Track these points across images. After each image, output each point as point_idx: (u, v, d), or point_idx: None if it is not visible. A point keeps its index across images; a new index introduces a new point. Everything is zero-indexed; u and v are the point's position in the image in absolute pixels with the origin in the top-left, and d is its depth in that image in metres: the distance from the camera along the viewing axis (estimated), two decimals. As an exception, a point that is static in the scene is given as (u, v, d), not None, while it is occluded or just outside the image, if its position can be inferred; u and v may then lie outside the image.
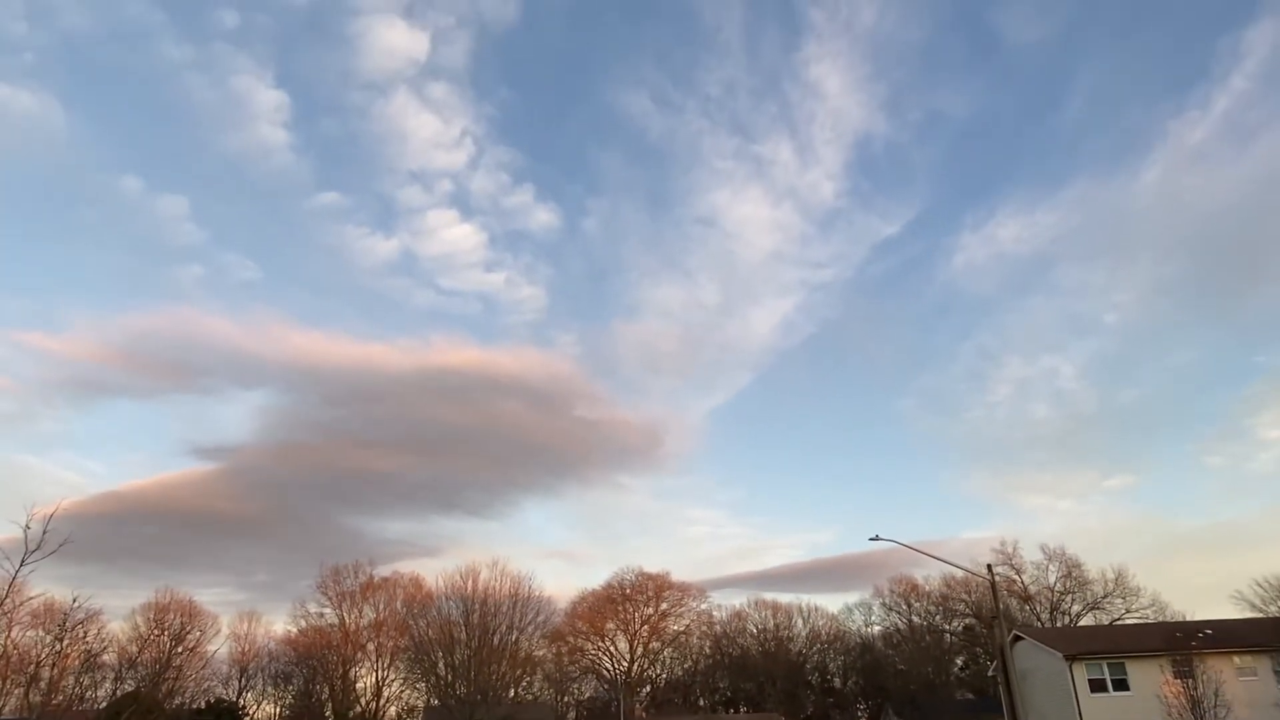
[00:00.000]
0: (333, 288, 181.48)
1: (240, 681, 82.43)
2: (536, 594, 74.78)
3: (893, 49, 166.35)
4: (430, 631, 70.69)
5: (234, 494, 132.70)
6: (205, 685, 77.04)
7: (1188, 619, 59.46)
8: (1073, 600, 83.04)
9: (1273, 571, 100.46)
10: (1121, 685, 43.15)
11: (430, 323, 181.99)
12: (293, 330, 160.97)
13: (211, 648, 77.81)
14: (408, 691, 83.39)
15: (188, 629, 73.96)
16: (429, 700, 74.41)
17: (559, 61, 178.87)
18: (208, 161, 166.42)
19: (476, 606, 69.87)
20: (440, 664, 67.68)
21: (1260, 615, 63.26)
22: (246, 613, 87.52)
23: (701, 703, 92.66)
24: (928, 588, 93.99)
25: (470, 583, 71.65)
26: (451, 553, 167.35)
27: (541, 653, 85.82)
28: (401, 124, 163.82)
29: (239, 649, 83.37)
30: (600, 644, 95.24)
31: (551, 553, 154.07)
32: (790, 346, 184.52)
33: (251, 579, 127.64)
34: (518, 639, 72.11)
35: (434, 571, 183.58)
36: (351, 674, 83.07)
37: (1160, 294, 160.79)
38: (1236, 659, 43.64)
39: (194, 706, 67.33)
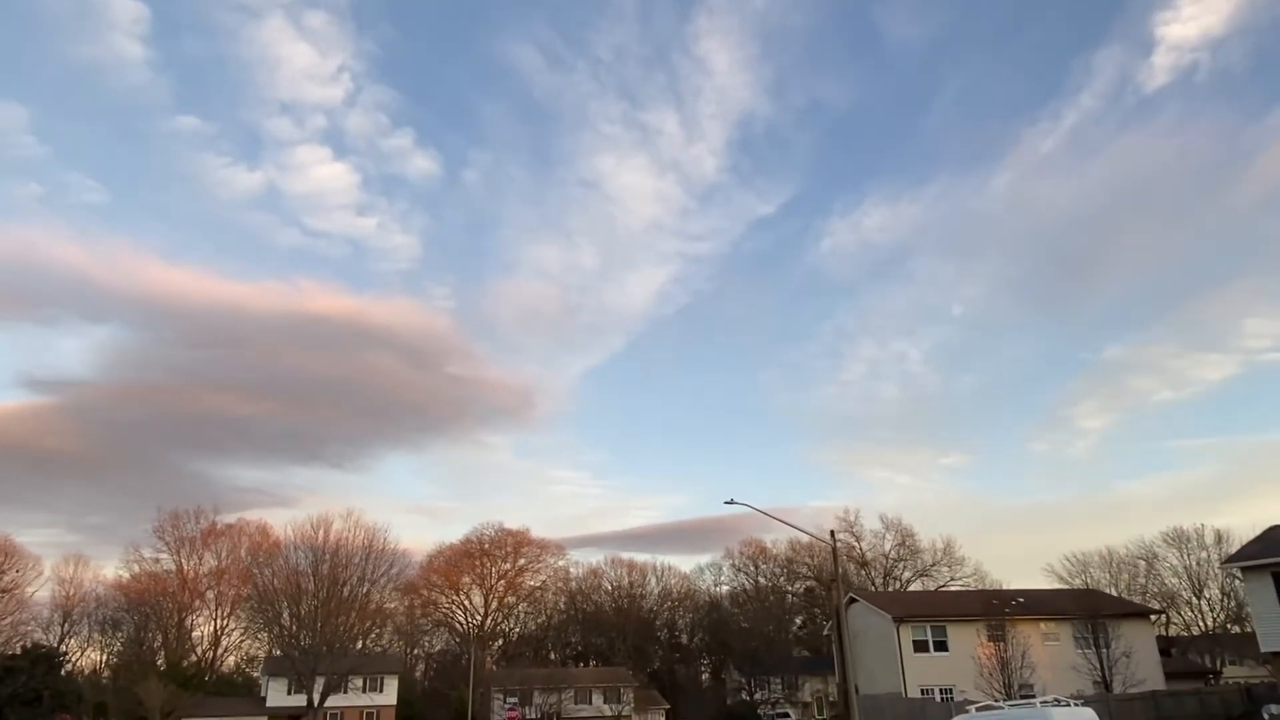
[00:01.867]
0: (190, 219, 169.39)
1: (63, 627, 76.67)
2: (392, 547, 73.74)
3: (781, 33, 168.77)
4: (276, 581, 67.27)
5: (71, 431, 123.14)
6: (22, 630, 71.12)
7: (1004, 588, 62.76)
8: (905, 567, 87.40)
9: (1079, 548, 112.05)
10: (942, 646, 45.47)
11: (296, 265, 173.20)
12: (147, 262, 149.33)
13: (31, 589, 72.66)
14: (248, 642, 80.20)
15: (2, 569, 67.84)
16: (271, 650, 72.38)
17: (448, 2, 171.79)
18: (53, 70, 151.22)
19: (327, 557, 67.67)
20: (285, 614, 65.26)
21: (1065, 586, 69.17)
22: (73, 555, 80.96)
23: (553, 656, 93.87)
24: (775, 551, 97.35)
25: (322, 533, 69.31)
26: (308, 504, 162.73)
27: (393, 605, 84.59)
28: (274, 51, 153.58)
29: (63, 593, 77.79)
30: (454, 598, 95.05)
31: (413, 507, 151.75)
32: (664, 315, 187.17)
33: (84, 521, 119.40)
34: (369, 591, 70.45)
35: (286, 522, 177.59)
36: (188, 622, 79.68)
37: (1004, 290, 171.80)
38: (1043, 625, 46.54)
39: (7, 652, 62.01)
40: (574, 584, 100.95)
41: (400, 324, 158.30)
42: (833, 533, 37.13)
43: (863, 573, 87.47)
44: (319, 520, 70.34)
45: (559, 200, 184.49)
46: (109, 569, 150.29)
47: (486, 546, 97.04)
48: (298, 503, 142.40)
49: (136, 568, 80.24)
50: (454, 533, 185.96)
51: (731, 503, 36.18)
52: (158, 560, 79.76)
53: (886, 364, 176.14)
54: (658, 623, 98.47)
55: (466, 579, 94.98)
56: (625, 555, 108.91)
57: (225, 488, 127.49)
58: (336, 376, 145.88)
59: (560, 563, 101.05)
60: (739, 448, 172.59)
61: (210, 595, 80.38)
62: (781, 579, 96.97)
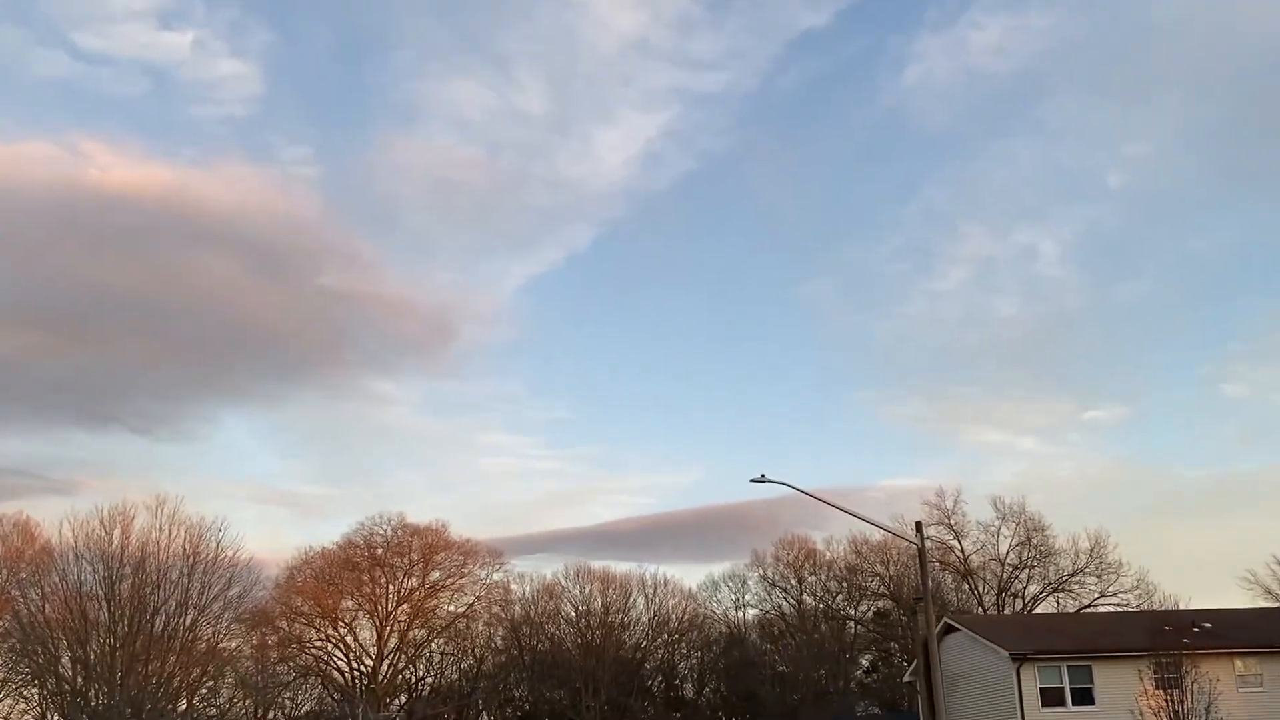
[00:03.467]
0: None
1: None
2: (231, 555, 74.25)
3: None
4: (48, 608, 67.77)
5: None
6: None
7: (1181, 607, 62.53)
8: (1029, 578, 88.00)
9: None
10: (1085, 696, 46.54)
11: (67, 111, 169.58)
12: None
13: None
14: (7, 702, 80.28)
15: None
16: (45, 714, 72.32)
17: None
18: None
19: (128, 570, 68.03)
20: (65, 658, 65.50)
21: (1274, 605, 69.79)
22: None
23: (485, 719, 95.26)
24: (829, 556, 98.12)
25: (119, 533, 69.78)
26: (98, 490, 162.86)
27: (236, 644, 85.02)
28: None
29: None
30: (331, 632, 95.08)
31: (263, 494, 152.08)
32: (653, 191, 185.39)
33: None
34: (196, 622, 71.50)
35: (62, 517, 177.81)
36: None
37: (1188, 148, 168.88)
38: (1239, 662, 47.56)
39: None
40: (518, 608, 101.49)
41: (236, 206, 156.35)
42: (919, 525, 37.61)
43: (965, 587, 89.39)
44: (114, 513, 70.32)
45: (485, 4, 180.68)
46: None
47: (380, 554, 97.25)
48: (80, 488, 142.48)
49: None
50: (328, 532, 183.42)
51: (762, 481, 35.16)
52: None
53: (1003, 266, 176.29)
54: (648, 665, 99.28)
55: (349, 603, 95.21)
56: (597, 564, 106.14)
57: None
58: (140, 292, 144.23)
59: (496, 576, 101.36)
60: (772, 400, 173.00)
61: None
62: (839, 598, 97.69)
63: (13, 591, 74.51)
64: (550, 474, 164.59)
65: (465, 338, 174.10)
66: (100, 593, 67.74)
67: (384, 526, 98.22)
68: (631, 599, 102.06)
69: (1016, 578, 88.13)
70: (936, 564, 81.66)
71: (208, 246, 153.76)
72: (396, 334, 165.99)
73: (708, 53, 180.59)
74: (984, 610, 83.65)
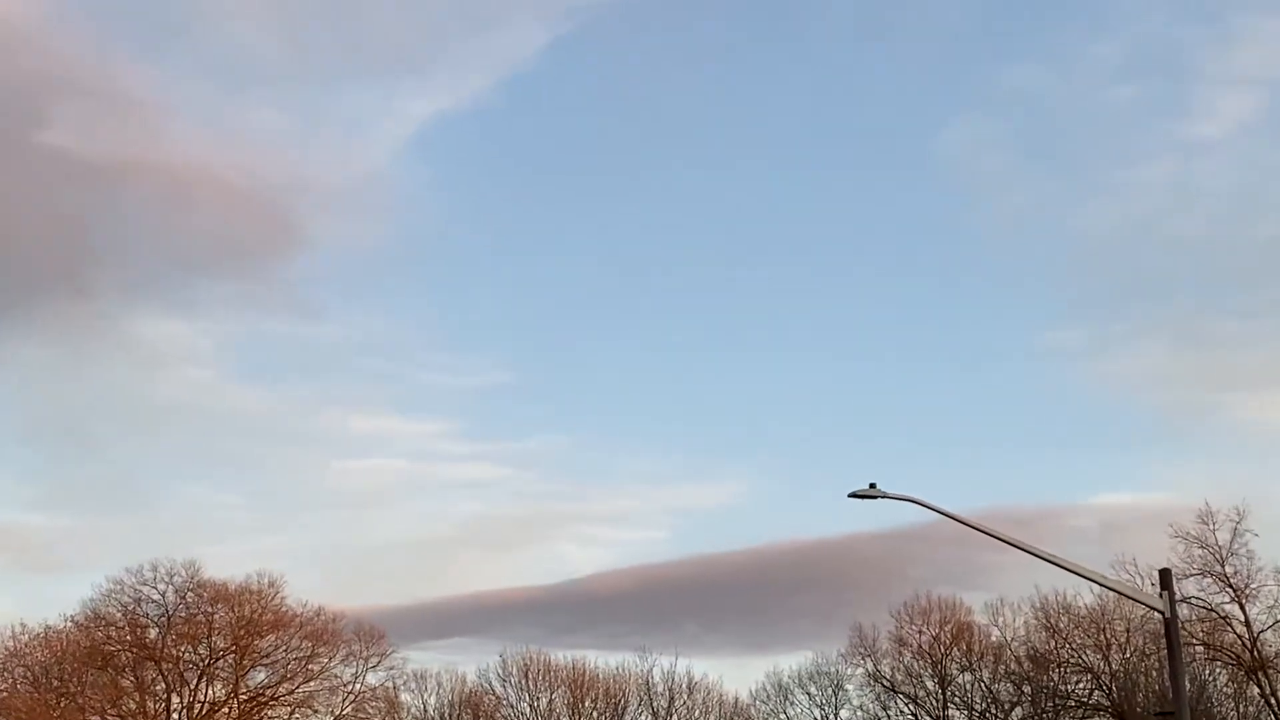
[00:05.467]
0: None
1: None
2: None
3: None
4: None
5: None
6: None
7: None
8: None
9: None
10: None
11: None
12: None
13: None
14: None
15: None
16: None
17: None
18: None
19: None
20: None
21: None
22: None
23: None
24: (996, 635, 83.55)
25: None
26: None
27: None
28: None
29: None
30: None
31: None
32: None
33: None
34: None
35: None
36: None
37: None
38: None
39: None
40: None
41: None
42: (1165, 575, 27.37)
43: (1254, 688, 72.39)
44: None
45: None
46: None
47: (154, 636, 76.68)
48: None
49: None
50: (61, 597, 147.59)
51: (869, 495, 23.96)
52: None
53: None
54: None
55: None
56: (560, 655, 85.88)
57: None
58: None
59: (374, 678, 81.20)
60: (876, 352, 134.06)
61: None
62: (1015, 712, 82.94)
63: None
64: (475, 489, 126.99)
65: (309, 237, 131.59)
66: None
67: (162, 585, 77.19)
68: (629, 716, 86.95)
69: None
70: (1199, 648, 68.58)
71: None
72: (189, 233, 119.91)
73: None
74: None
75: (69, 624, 77.28)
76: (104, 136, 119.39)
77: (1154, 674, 73.20)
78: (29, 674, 74.88)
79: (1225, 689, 75.38)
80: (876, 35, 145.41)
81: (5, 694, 73.06)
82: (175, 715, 75.26)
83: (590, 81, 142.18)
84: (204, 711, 74.88)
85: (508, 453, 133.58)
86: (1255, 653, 66.39)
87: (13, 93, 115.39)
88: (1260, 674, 67.46)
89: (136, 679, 75.36)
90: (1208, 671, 72.74)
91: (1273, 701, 68.50)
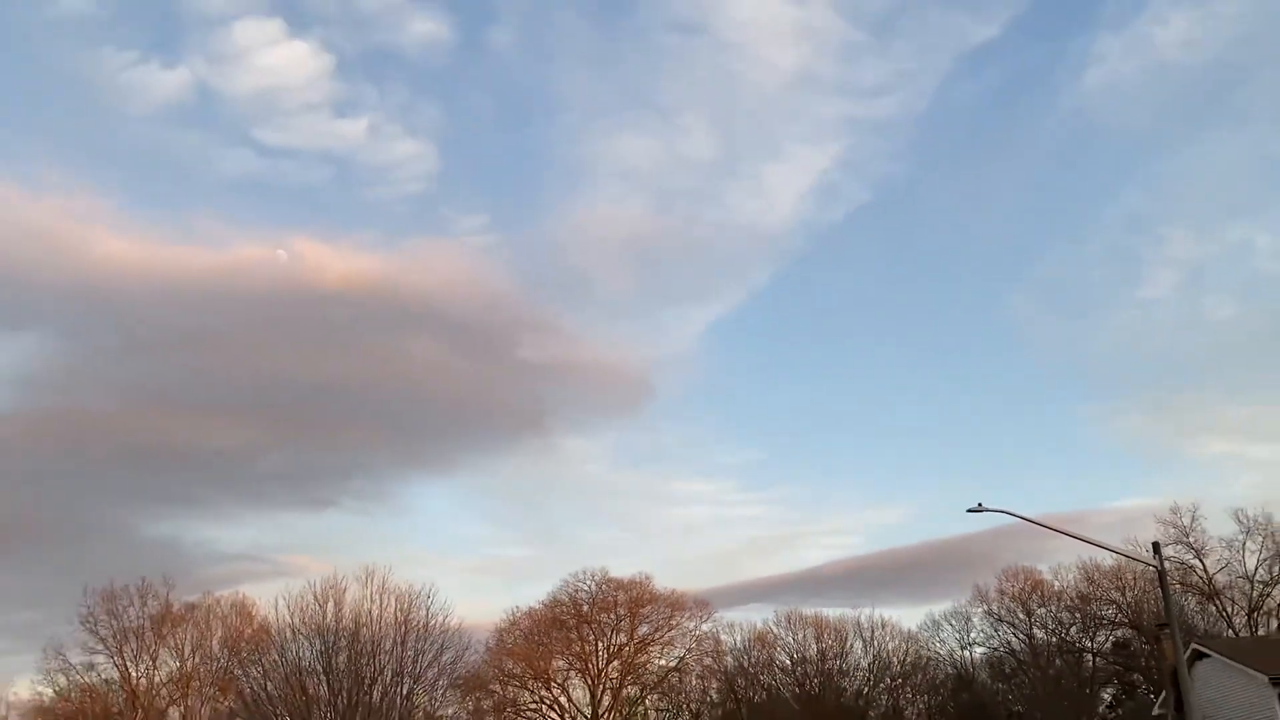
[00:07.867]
0: (90, 146, 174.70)
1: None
2: (441, 620, 74.71)
3: None
4: (270, 686, 68.87)
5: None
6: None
7: None
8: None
9: None
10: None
11: (261, 206, 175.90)
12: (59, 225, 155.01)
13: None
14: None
15: None
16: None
17: None
18: None
19: (343, 643, 68.99)
20: (290, 735, 66.86)
21: None
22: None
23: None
24: (1058, 586, 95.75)
25: (332, 606, 71.10)
26: (317, 568, 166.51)
27: (452, 711, 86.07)
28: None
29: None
30: (545, 693, 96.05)
31: (470, 558, 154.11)
32: (829, 224, 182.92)
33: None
34: (411, 691, 72.18)
35: (277, 594, 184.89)
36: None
37: None
38: None
39: None
40: (730, 660, 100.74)
41: (434, 288, 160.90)
42: (1156, 546, 36.40)
43: (1212, 608, 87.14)
44: (326, 587, 71.32)
45: (642, 58, 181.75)
46: (22, 684, 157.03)
47: (586, 610, 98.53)
48: (297, 569, 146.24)
49: (63, 679, 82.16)
50: (533, 592, 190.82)
51: (979, 510, 34.83)
52: (91, 666, 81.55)
53: (1216, 265, 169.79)
54: (871, 713, 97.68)
55: (559, 663, 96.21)
56: (808, 610, 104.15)
57: (197, 555, 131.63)
58: (352, 380, 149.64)
59: (705, 627, 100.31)
60: (983, 425, 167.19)
61: (175, 714, 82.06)
62: (1073, 629, 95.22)
63: (235, 671, 77.44)
64: (750, 519, 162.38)
65: (653, 389, 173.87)
66: (318, 667, 68.80)
67: (588, 582, 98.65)
68: (848, 644, 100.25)
69: (1269, 595, 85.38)
70: (1178, 586, 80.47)
71: (411, 330, 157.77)
72: (589, 394, 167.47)
73: (875, 78, 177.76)
74: (1235, 633, 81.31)
75: (540, 606, 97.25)
76: (549, 351, 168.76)
77: (1152, 604, 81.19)
78: (522, 634, 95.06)
79: (1194, 609, 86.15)
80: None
81: (511, 646, 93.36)
82: (601, 654, 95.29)
83: (795, 292, 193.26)
84: (616, 649, 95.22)
85: (766, 498, 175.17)
86: (1210, 586, 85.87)
87: (500, 330, 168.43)
88: (1214, 598, 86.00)
89: (579, 634, 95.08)
90: (1184, 599, 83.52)
91: (1225, 614, 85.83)
